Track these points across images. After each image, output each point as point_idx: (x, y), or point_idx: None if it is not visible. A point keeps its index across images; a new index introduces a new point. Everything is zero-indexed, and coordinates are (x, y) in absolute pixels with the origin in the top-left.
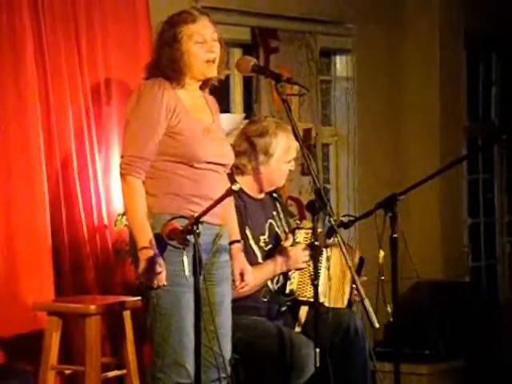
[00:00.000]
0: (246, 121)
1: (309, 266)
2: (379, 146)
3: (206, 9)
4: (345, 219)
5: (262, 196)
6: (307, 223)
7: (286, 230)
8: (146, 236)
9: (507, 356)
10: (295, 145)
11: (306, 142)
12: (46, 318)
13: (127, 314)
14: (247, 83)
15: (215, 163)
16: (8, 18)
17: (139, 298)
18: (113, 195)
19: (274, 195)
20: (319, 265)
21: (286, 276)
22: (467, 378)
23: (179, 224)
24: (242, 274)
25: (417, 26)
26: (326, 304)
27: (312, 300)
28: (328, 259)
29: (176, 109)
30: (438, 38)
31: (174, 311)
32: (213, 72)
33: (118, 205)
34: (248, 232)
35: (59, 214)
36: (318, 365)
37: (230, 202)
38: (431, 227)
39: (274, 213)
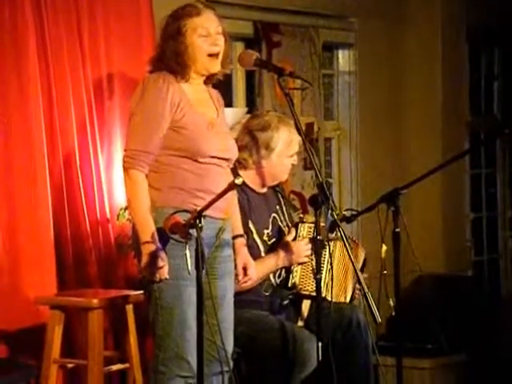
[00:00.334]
0: (249, 115)
1: (311, 260)
2: (381, 141)
3: (209, 2)
4: (347, 213)
5: (264, 190)
6: (310, 217)
7: (289, 224)
8: (148, 230)
9: (509, 350)
10: (297, 139)
11: (308, 136)
12: (49, 312)
13: (130, 308)
14: (250, 77)
15: (219, 157)
16: (10, 13)
17: (142, 291)
18: (115, 189)
19: (277, 189)
20: (321, 259)
21: (288, 270)
22: (469, 372)
23: (182, 218)
24: (245, 269)
25: (419, 20)
26: (329, 298)
27: (314, 294)
28: (330, 253)
29: (180, 103)
30: (440, 33)
31: (176, 305)
32: (216, 67)
33: (120, 199)
34: (251, 226)
35: (62, 208)
36: (320, 359)
37: (233, 196)
38: (433, 221)
39: (277, 207)
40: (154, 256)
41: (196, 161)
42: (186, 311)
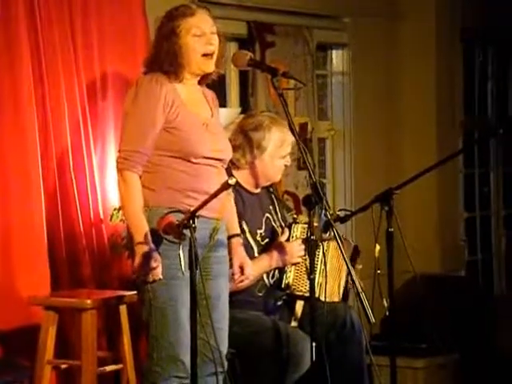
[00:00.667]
0: (242, 115)
1: (305, 260)
2: (375, 141)
3: (203, 3)
4: (341, 213)
5: (258, 190)
6: (304, 218)
7: (283, 224)
8: (141, 231)
9: (503, 349)
10: (290, 140)
11: (302, 136)
12: (42, 313)
13: (123, 309)
14: (243, 78)
15: (213, 158)
16: (3, 14)
17: (135, 292)
18: (109, 190)
19: (271, 190)
20: (315, 259)
21: (281, 271)
22: (463, 372)
23: (175, 218)
24: (241, 268)
25: (413, 20)
26: (322, 298)
27: (308, 294)
28: (324, 254)
29: (174, 103)
30: (434, 33)
31: (170, 305)
32: (210, 67)
33: (113, 199)
34: (245, 226)
35: (55, 208)
36: (314, 359)
37: (228, 196)
38: (427, 221)
39: (271, 207)
40: (147, 257)
41: (189, 161)
42: (179, 311)
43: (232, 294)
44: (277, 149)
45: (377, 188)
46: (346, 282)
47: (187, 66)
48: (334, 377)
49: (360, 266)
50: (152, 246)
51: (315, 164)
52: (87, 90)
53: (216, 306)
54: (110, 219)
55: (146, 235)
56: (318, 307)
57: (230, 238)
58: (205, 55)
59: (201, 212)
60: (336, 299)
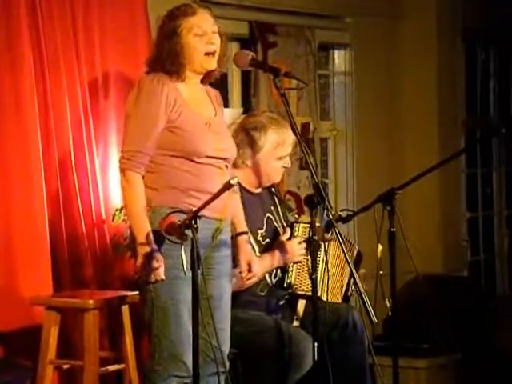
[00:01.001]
0: (244, 116)
1: (307, 259)
2: (377, 141)
3: (204, 2)
4: (343, 213)
5: (259, 191)
6: (305, 218)
7: (284, 224)
8: (144, 231)
9: (505, 349)
10: (289, 141)
11: (304, 136)
12: (45, 313)
13: (125, 309)
14: (245, 78)
15: (216, 157)
16: (5, 13)
17: (137, 292)
18: (111, 190)
19: (272, 190)
20: (317, 259)
21: (283, 270)
22: (465, 372)
23: (177, 218)
24: (249, 265)
25: (414, 20)
26: (324, 298)
27: (310, 294)
28: (326, 253)
29: (176, 103)
30: (435, 32)
31: (172, 305)
32: (212, 65)
33: (115, 200)
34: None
35: (57, 208)
36: (316, 359)
37: (233, 194)
38: (430, 221)
39: (272, 207)
40: (149, 257)
41: (192, 161)
42: (181, 311)
43: (234, 294)
44: (272, 150)
45: (379, 188)
46: (348, 282)
47: (189, 65)
48: (336, 377)
49: (363, 271)
50: (154, 246)
51: (317, 164)
52: (89, 90)
53: (218, 306)
54: (113, 219)
55: (147, 235)
56: (319, 307)
57: (236, 235)
58: (207, 54)
59: (203, 212)
60: (338, 299)
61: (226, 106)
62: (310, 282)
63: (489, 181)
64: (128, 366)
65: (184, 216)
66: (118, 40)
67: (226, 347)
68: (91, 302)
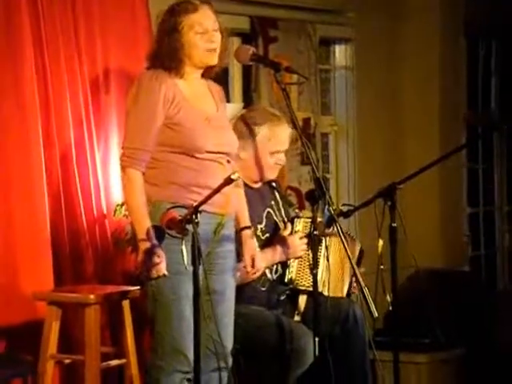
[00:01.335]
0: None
1: (308, 254)
2: (378, 136)
3: None
4: (344, 208)
5: (258, 185)
6: (307, 213)
7: (285, 219)
8: (144, 227)
9: (506, 344)
10: (282, 137)
11: (305, 131)
12: (46, 308)
13: (126, 304)
14: (246, 73)
15: (216, 152)
16: (6, 9)
17: (138, 287)
18: (112, 185)
19: (273, 185)
20: (318, 254)
21: (284, 265)
22: (466, 367)
23: (178, 213)
24: (253, 260)
25: (416, 15)
26: (325, 293)
27: (311, 289)
28: (327, 248)
29: (174, 99)
30: (437, 27)
31: (173, 299)
32: (213, 60)
33: (117, 195)
34: None
35: (58, 204)
36: (317, 354)
37: (236, 189)
38: (430, 216)
39: (272, 202)
40: (149, 253)
41: (193, 156)
42: (183, 306)
43: (235, 289)
44: (263, 144)
45: (380, 183)
46: (350, 277)
47: (189, 61)
48: (337, 372)
49: (362, 269)
50: (155, 242)
51: (318, 159)
52: (90, 85)
53: (221, 300)
54: (114, 214)
55: (148, 231)
56: (320, 302)
57: (240, 230)
58: (207, 51)
59: (204, 207)
60: (340, 294)
61: (227, 101)
62: (311, 277)
63: (490, 176)
64: (129, 360)
65: (185, 211)
66: (119, 35)
67: (230, 343)
68: (92, 296)
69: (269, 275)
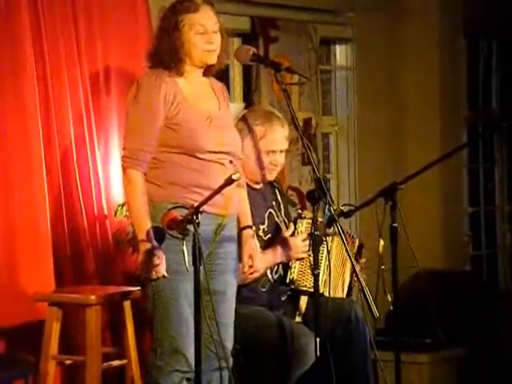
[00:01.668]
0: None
1: (309, 255)
2: (379, 136)
3: None
4: (345, 209)
5: (260, 186)
6: (308, 213)
7: (286, 220)
8: (144, 229)
9: (507, 345)
10: (275, 137)
11: (306, 131)
12: (47, 309)
13: (127, 304)
14: (247, 73)
15: (218, 152)
16: (6, 9)
17: (139, 287)
18: (113, 185)
19: (275, 185)
20: (319, 255)
21: (286, 266)
22: (467, 367)
23: (179, 214)
24: (251, 260)
25: (416, 14)
26: (326, 294)
27: (312, 290)
28: (328, 249)
29: (175, 100)
30: (437, 26)
31: (174, 299)
32: (212, 59)
33: (117, 195)
34: None
35: (59, 204)
36: (318, 354)
37: (239, 189)
38: (432, 216)
39: (274, 203)
40: (149, 254)
41: (195, 157)
42: (183, 306)
43: (236, 290)
44: (258, 143)
45: (381, 183)
46: (351, 278)
47: (188, 60)
48: (338, 372)
49: (363, 260)
50: (155, 243)
51: (319, 159)
52: (90, 85)
53: (222, 301)
54: (115, 215)
55: (148, 232)
56: (321, 303)
57: (241, 229)
58: (206, 51)
59: (205, 208)
60: (340, 294)
61: None
62: (312, 277)
63: (491, 175)
64: (130, 361)
65: (186, 211)
66: (119, 35)
67: (230, 343)
68: (93, 297)
69: (269, 276)
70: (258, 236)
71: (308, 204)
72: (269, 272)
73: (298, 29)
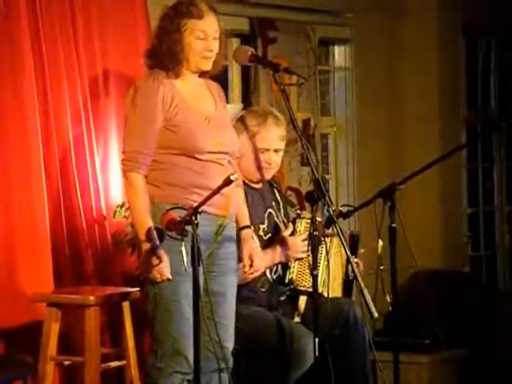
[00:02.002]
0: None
1: (308, 256)
2: (378, 136)
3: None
4: (344, 209)
5: (259, 185)
6: (307, 213)
7: (285, 220)
8: (145, 230)
9: (506, 345)
10: (271, 135)
11: (304, 132)
12: (46, 309)
13: (126, 305)
14: (245, 74)
15: (217, 152)
16: (4, 11)
17: (138, 288)
18: (111, 186)
19: (274, 185)
20: (318, 255)
21: (284, 266)
22: (466, 368)
23: (178, 214)
24: (251, 260)
25: (415, 14)
26: (325, 294)
27: (311, 290)
28: (327, 249)
29: (173, 101)
30: (436, 27)
31: (174, 300)
32: (207, 66)
33: (116, 196)
34: None
35: (58, 205)
36: (317, 355)
37: (237, 189)
38: (430, 216)
39: (273, 203)
40: (149, 254)
41: (194, 158)
42: (183, 307)
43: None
44: (251, 141)
45: (380, 183)
46: (347, 277)
47: (186, 64)
48: (337, 372)
49: (362, 250)
50: (156, 243)
51: (318, 160)
52: (89, 86)
53: (222, 302)
54: (114, 216)
55: (148, 233)
56: (320, 303)
57: (240, 229)
58: (204, 57)
59: (204, 208)
60: (337, 294)
61: (226, 102)
62: (311, 277)
63: (490, 176)
64: (129, 362)
65: (185, 212)
66: (117, 36)
67: (230, 344)
68: (92, 298)
69: (268, 276)
70: (259, 236)
71: (307, 204)
72: (268, 272)
73: (296, 29)
